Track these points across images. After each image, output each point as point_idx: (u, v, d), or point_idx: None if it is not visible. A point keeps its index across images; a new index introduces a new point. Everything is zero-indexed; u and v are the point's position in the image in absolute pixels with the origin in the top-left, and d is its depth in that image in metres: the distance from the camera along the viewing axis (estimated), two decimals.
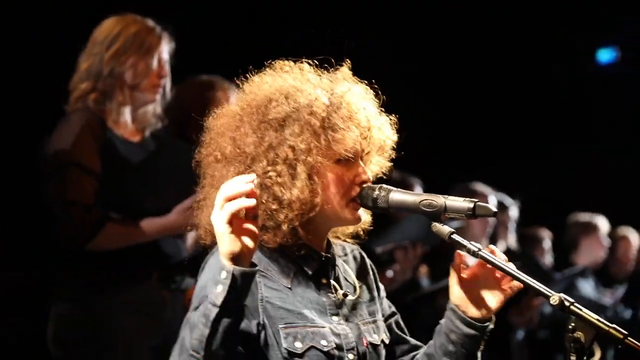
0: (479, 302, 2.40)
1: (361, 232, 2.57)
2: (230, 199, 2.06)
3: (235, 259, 2.08)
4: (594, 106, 9.22)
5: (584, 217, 7.79)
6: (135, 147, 3.87)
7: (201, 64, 4.62)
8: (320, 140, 2.32)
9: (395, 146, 2.53)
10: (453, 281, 2.41)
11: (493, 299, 2.39)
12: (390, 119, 2.50)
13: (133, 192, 3.71)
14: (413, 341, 2.59)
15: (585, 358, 2.10)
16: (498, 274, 2.38)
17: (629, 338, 2.08)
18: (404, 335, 2.59)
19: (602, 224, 7.72)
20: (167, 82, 3.97)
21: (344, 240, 2.57)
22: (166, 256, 3.81)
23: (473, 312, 2.40)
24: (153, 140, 3.97)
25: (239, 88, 2.48)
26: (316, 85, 2.42)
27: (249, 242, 2.10)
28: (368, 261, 2.62)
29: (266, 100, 2.38)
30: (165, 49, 3.90)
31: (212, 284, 2.10)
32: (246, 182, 2.08)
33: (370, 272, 2.60)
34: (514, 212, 6.92)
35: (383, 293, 2.62)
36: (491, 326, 2.41)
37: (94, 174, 3.67)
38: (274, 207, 2.31)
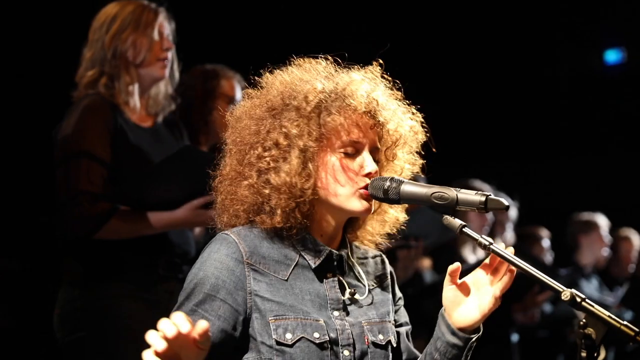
0: (465, 309, 2.37)
1: (396, 232, 2.57)
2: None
3: None
4: (599, 107, 9.20)
5: (584, 216, 7.80)
6: (146, 132, 3.85)
7: (212, 54, 4.63)
8: (311, 125, 2.34)
9: (423, 144, 2.54)
10: (447, 282, 2.40)
11: (477, 309, 2.36)
12: (417, 116, 2.52)
13: (142, 182, 3.68)
14: (417, 353, 2.56)
15: (595, 355, 2.09)
16: (488, 285, 2.35)
17: None
18: (410, 346, 2.57)
19: (602, 222, 7.73)
20: (174, 58, 3.94)
21: (377, 242, 2.58)
22: (172, 244, 3.80)
23: (457, 317, 2.38)
24: (165, 128, 3.95)
25: (252, 80, 2.50)
26: (323, 76, 2.44)
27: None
28: (389, 268, 2.62)
29: (272, 93, 2.42)
30: (165, 24, 3.88)
31: None
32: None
33: (389, 278, 2.59)
34: (513, 212, 6.92)
35: (401, 302, 2.61)
36: (474, 338, 2.39)
37: (102, 162, 3.63)
38: (267, 191, 2.34)
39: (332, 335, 2.34)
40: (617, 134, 9.22)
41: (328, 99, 2.36)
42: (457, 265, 2.36)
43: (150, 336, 1.95)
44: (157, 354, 1.95)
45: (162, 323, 1.94)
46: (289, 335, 2.29)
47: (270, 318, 2.30)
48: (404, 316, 2.60)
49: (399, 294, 2.61)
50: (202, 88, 4.43)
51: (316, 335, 2.31)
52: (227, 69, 4.52)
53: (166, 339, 1.94)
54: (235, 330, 2.29)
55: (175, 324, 1.94)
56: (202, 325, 1.96)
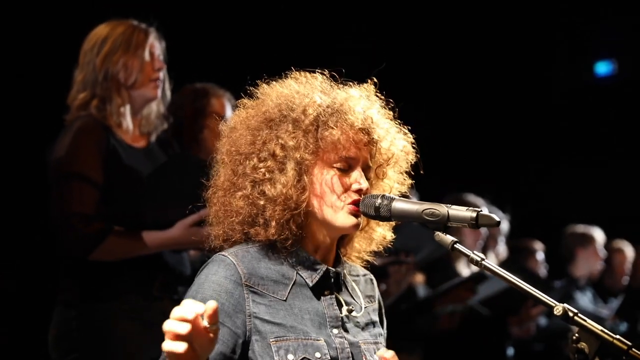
0: None
1: (382, 250, 2.57)
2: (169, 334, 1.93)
3: None
4: (590, 119, 9.23)
5: (580, 228, 7.81)
6: (139, 153, 3.85)
7: (202, 71, 4.64)
8: (308, 138, 2.34)
9: (413, 163, 2.54)
10: None
11: None
12: (408, 136, 2.52)
13: (135, 202, 3.67)
14: None
15: None
16: None
17: (632, 349, 2.06)
18: None
19: (598, 235, 7.75)
20: (165, 77, 3.94)
21: (365, 261, 2.58)
22: (167, 265, 3.80)
23: None
24: (159, 147, 3.95)
25: (248, 90, 2.50)
26: (320, 91, 2.44)
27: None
28: (377, 292, 2.62)
29: (268, 104, 2.42)
30: (156, 44, 3.88)
31: None
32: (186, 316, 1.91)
33: (377, 302, 2.60)
34: (504, 225, 6.94)
35: (385, 332, 2.60)
36: None
37: (95, 184, 3.63)
38: (261, 202, 2.34)
39: (332, 353, 2.33)
40: (609, 145, 9.24)
41: (326, 113, 2.37)
42: (391, 353, 2.35)
43: (168, 324, 1.90)
44: (180, 337, 1.89)
45: (176, 310, 1.90)
46: (290, 357, 2.28)
47: (271, 340, 2.29)
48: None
49: (385, 322, 2.61)
50: (192, 107, 4.43)
51: (317, 355, 2.31)
52: (217, 87, 4.52)
53: (187, 320, 1.90)
54: (234, 353, 2.27)
55: (189, 306, 1.91)
56: (212, 304, 1.93)
